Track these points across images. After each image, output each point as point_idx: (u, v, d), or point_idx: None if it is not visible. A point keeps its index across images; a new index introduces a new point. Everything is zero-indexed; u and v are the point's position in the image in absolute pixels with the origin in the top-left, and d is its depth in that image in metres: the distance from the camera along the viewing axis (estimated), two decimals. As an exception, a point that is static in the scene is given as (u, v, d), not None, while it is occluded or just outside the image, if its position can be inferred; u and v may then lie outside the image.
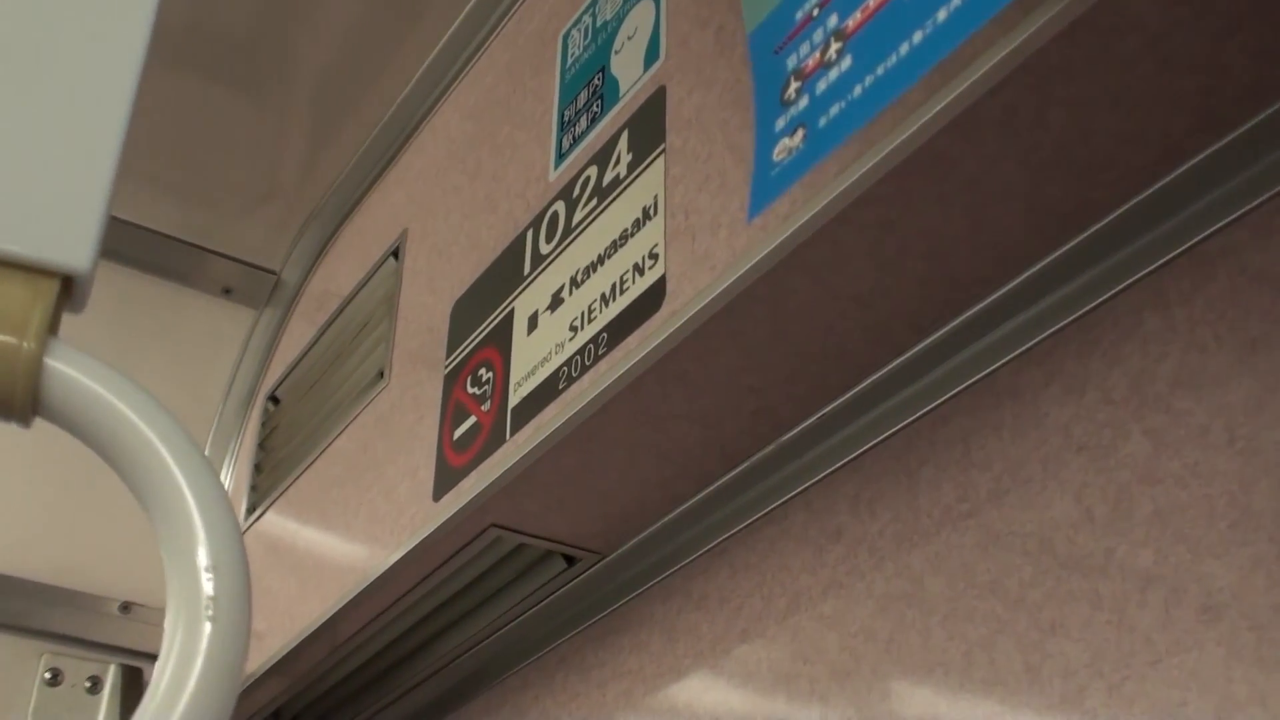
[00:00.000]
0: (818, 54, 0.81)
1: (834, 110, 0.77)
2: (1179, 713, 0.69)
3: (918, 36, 0.71)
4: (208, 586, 0.44)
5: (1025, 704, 0.78)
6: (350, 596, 1.29)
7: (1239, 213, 0.74)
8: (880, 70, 0.74)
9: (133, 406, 0.47)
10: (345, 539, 1.37)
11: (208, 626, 0.44)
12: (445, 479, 1.17)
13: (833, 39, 0.79)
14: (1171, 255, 0.77)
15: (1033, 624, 0.79)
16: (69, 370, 0.47)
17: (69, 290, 0.49)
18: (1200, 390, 0.74)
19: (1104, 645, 0.74)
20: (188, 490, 0.46)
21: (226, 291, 1.91)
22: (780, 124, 0.83)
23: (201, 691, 0.43)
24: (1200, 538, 0.71)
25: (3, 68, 0.50)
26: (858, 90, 0.75)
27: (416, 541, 1.18)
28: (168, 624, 0.45)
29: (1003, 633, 0.81)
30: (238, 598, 0.45)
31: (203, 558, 0.45)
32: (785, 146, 0.82)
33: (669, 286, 0.93)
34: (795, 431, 1.00)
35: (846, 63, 0.77)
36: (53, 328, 0.48)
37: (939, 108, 0.72)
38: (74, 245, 0.48)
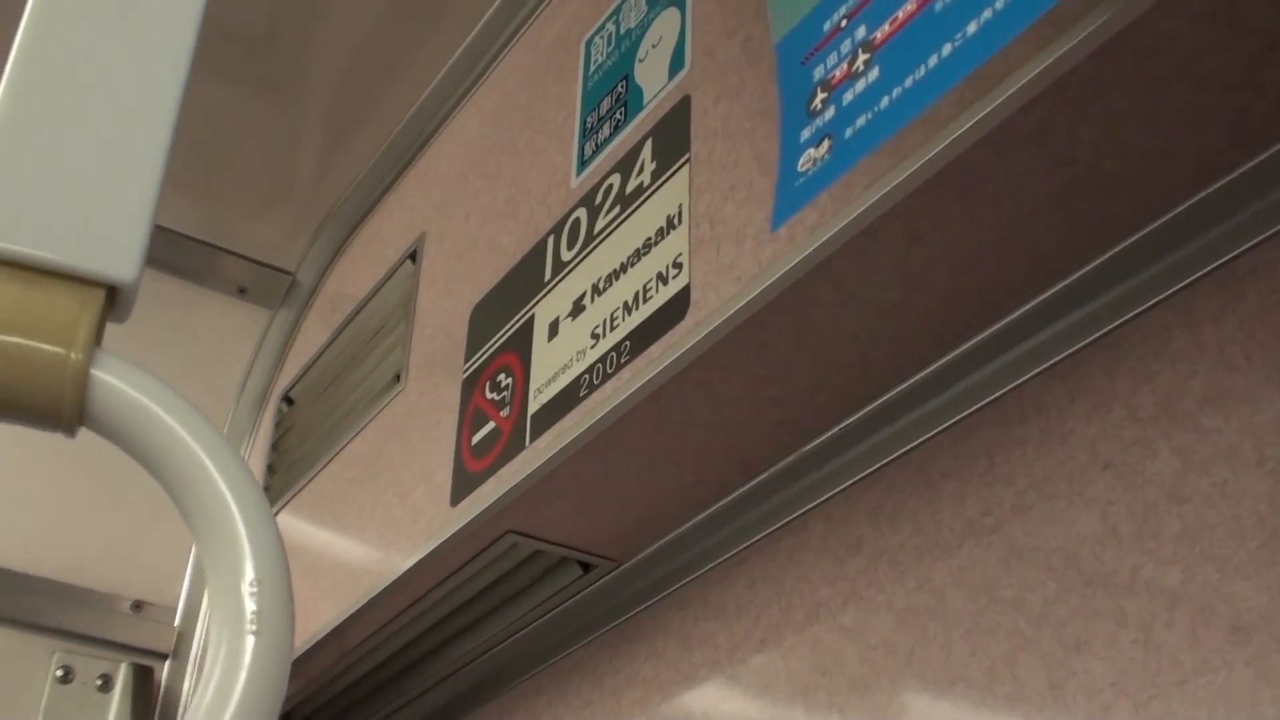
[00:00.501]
0: (845, 65, 0.81)
1: (861, 122, 0.77)
2: (1206, 732, 0.69)
3: (947, 49, 0.71)
4: (252, 601, 0.44)
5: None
6: (365, 600, 1.29)
7: (1270, 231, 0.74)
8: (909, 82, 0.74)
9: (179, 420, 0.47)
10: (360, 542, 1.37)
11: (252, 640, 0.44)
12: (463, 484, 1.17)
13: (861, 50, 0.79)
14: (1201, 273, 0.77)
15: (1057, 641, 0.79)
16: (115, 381, 0.47)
17: (113, 300, 0.49)
18: (1229, 409, 0.74)
19: (1130, 664, 0.74)
20: (234, 505, 0.46)
21: (241, 291, 1.91)
22: (806, 134, 0.83)
23: (245, 705, 0.43)
24: (1229, 557, 0.71)
25: (50, 82, 0.50)
26: (885, 102, 0.75)
27: (433, 546, 1.18)
28: (211, 637, 0.45)
29: (1026, 649, 0.81)
30: (282, 612, 0.45)
31: (248, 572, 0.45)
32: (811, 157, 0.81)
33: (693, 296, 0.93)
34: (817, 442, 0.99)
35: (874, 74, 0.77)
36: (98, 338, 0.48)
37: (972, 122, 0.72)
38: (120, 256, 0.49)
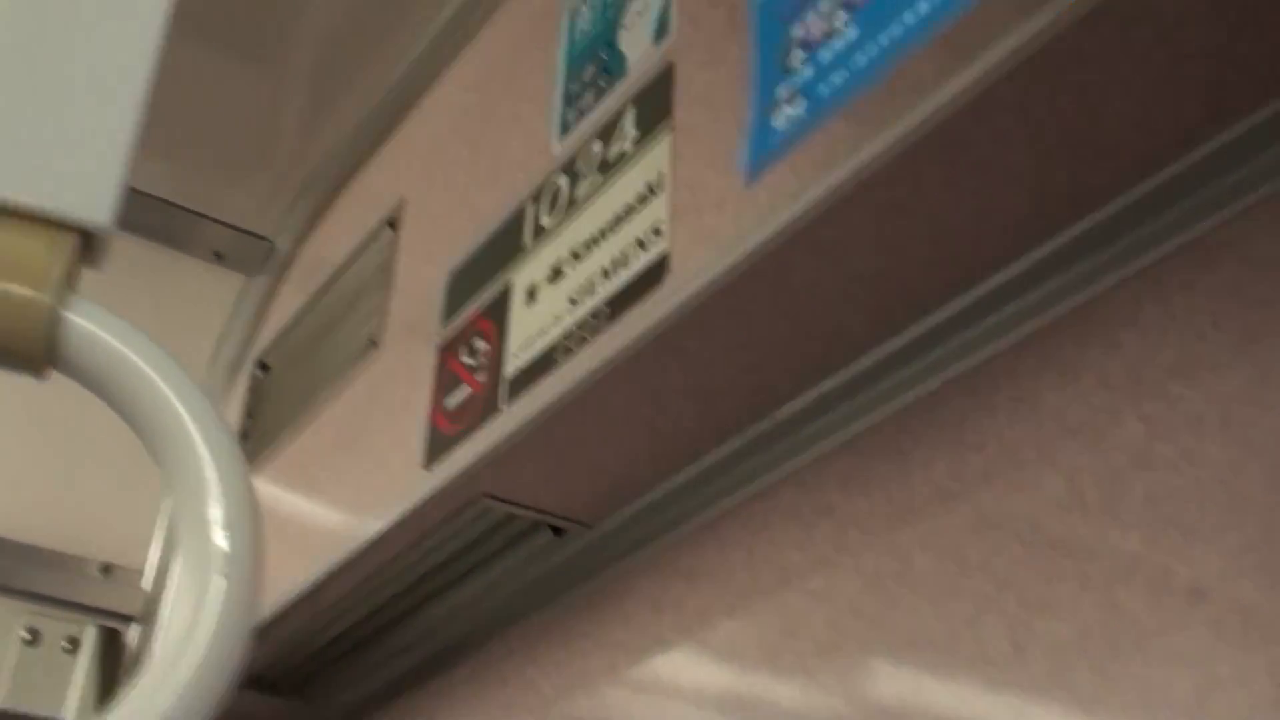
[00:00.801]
0: (824, 23, 0.81)
1: (836, 78, 0.78)
2: (1163, 692, 0.71)
3: (924, 6, 0.72)
4: (222, 543, 0.44)
5: (1011, 682, 0.80)
6: (336, 564, 1.30)
7: (1244, 202, 0.75)
8: (884, 39, 0.74)
9: (151, 364, 0.47)
10: (333, 506, 1.38)
11: (222, 583, 0.44)
12: (437, 448, 1.18)
13: (840, 9, 0.80)
14: (1174, 243, 0.78)
15: (1020, 604, 0.81)
16: (88, 324, 0.47)
17: (90, 246, 0.49)
18: (1197, 377, 0.75)
19: (1091, 626, 0.76)
20: (204, 448, 0.46)
21: (218, 256, 1.91)
22: (782, 91, 0.84)
23: (214, 648, 0.43)
24: (1191, 522, 0.73)
25: (27, 17, 0.50)
26: (861, 58, 0.76)
27: (406, 509, 1.19)
28: (179, 580, 0.45)
29: (990, 612, 0.82)
30: (251, 555, 0.45)
31: (217, 515, 0.45)
32: (785, 114, 0.82)
33: (672, 262, 0.94)
34: (790, 408, 1.00)
35: (852, 32, 0.78)
36: (72, 283, 0.48)
37: (953, 90, 0.73)
38: (94, 200, 0.49)
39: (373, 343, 1.43)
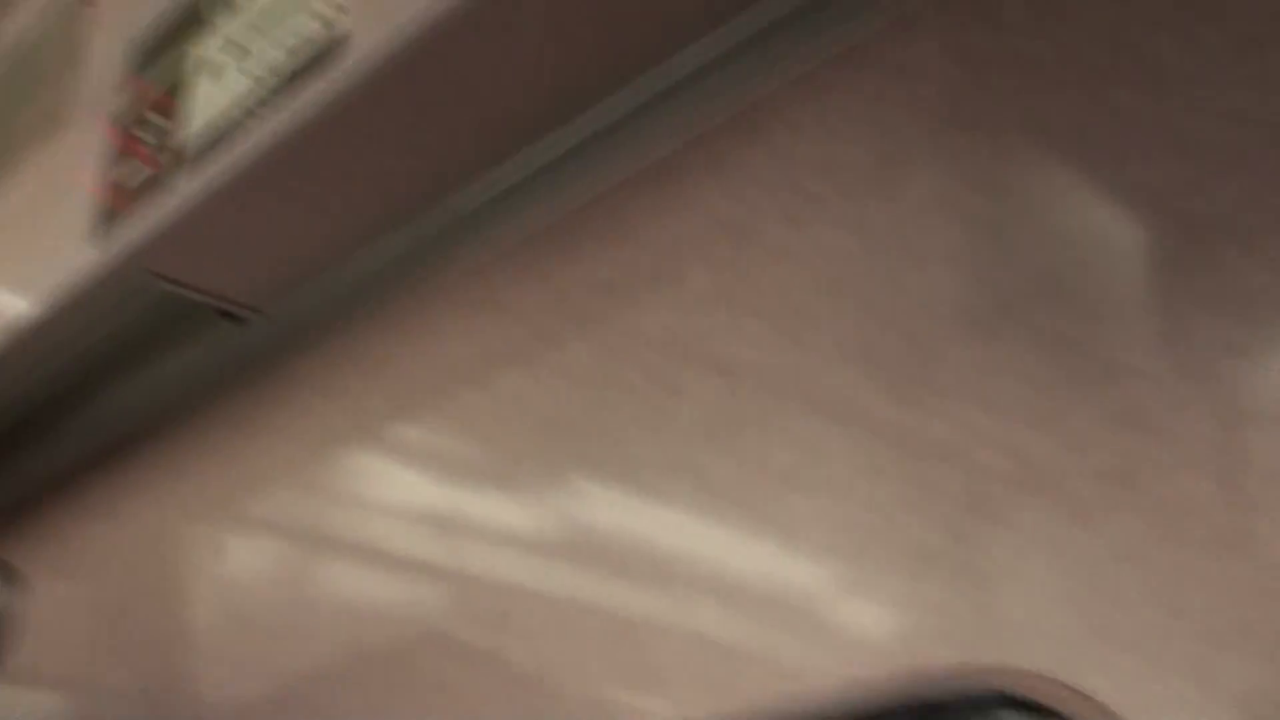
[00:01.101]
0: None
1: None
2: (764, 463, 0.75)
3: None
4: None
5: (644, 462, 0.83)
6: (2, 345, 1.24)
7: (887, 12, 0.77)
8: None
9: None
10: (1, 286, 1.32)
11: None
12: (107, 224, 1.13)
13: None
14: (830, 47, 0.80)
15: (661, 389, 0.83)
16: None
17: None
18: (836, 175, 0.78)
19: (717, 405, 0.79)
20: None
21: (-103, 25, 1.77)
22: None
23: None
24: (810, 310, 0.76)
25: None
26: None
27: (73, 286, 1.14)
28: None
29: (632, 396, 0.85)
30: None
31: None
32: None
33: (350, 39, 0.92)
34: (463, 196, 1.00)
35: None
36: None
37: None
38: None
39: (54, 119, 1.35)
